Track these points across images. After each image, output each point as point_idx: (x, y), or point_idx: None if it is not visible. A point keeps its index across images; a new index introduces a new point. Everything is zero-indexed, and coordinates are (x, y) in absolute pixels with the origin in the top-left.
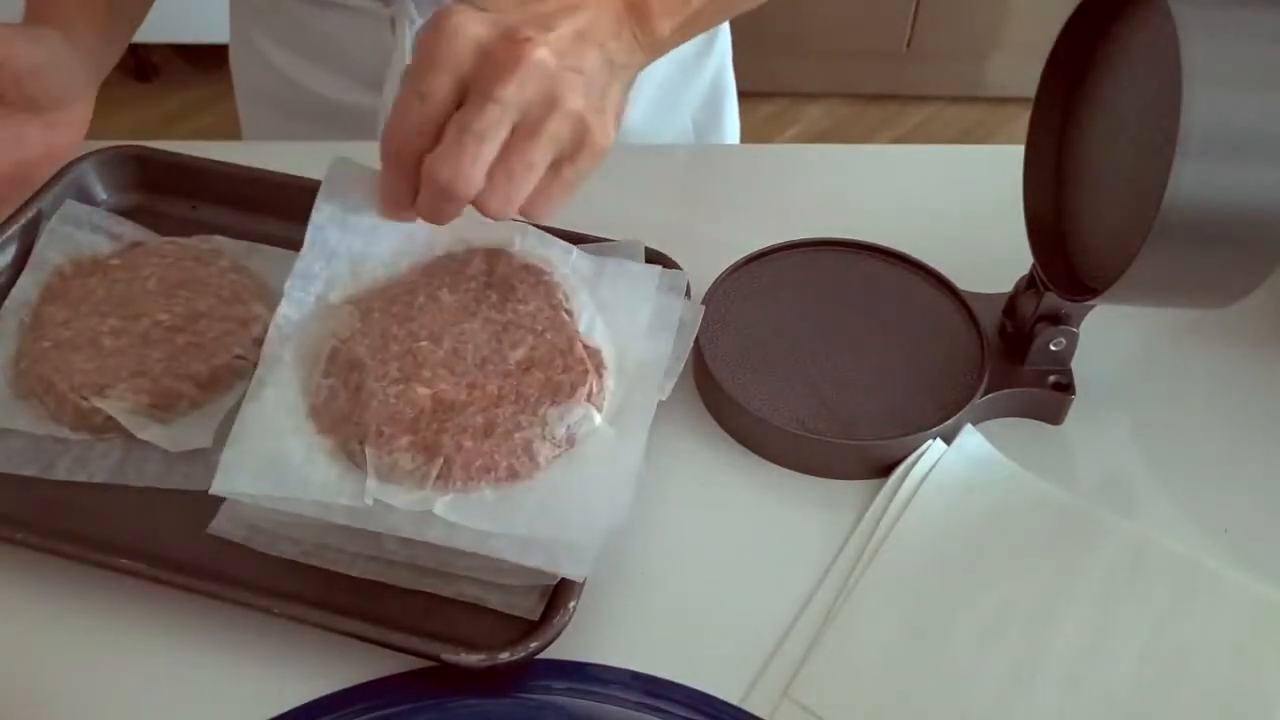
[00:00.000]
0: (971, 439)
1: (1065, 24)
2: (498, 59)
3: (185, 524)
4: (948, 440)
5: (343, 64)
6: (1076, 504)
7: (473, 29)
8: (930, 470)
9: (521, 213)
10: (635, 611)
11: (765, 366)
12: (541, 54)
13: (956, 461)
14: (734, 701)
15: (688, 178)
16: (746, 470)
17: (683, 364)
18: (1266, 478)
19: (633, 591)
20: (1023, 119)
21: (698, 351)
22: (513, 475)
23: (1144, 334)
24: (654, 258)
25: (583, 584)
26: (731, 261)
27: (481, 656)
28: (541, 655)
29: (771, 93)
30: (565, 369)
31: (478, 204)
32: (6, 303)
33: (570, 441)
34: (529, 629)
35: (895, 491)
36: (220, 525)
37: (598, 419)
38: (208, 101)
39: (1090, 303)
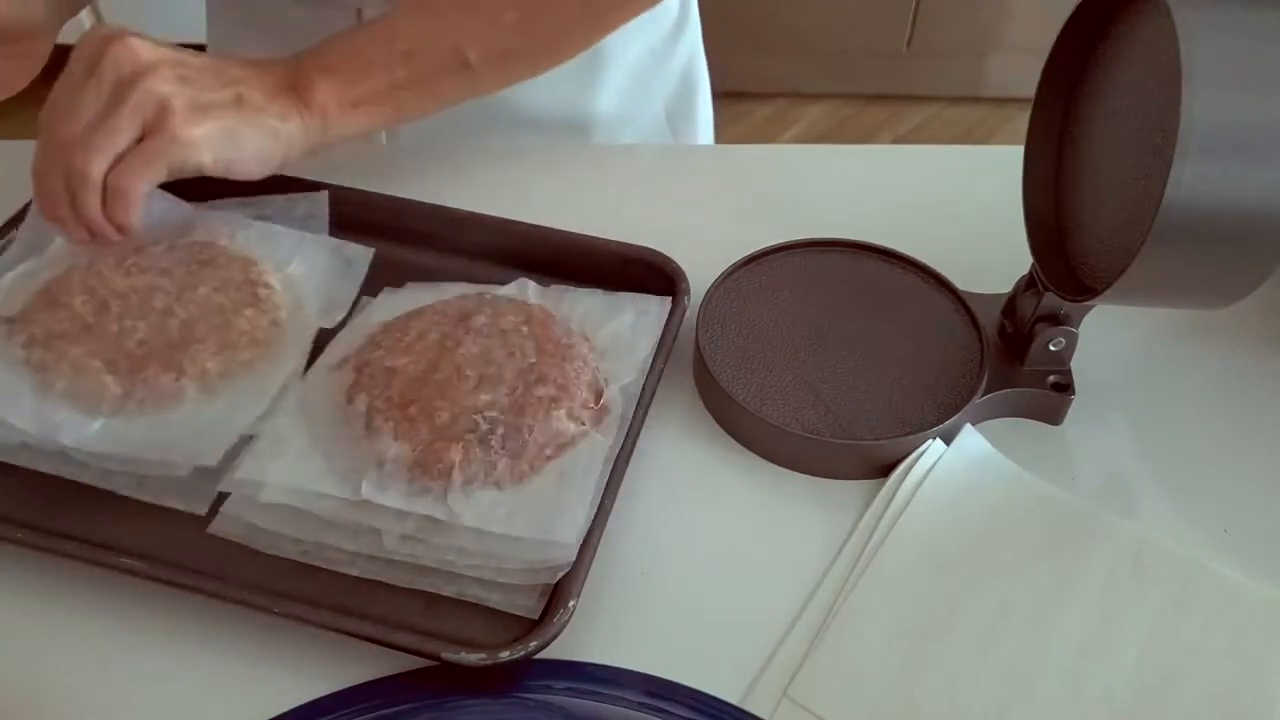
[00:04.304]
0: (971, 439)
1: (1065, 24)
2: (105, 47)
3: (185, 524)
4: (948, 440)
5: None
6: (1076, 504)
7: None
8: (930, 470)
9: (110, 184)
10: (635, 611)
11: (765, 366)
12: (137, 45)
13: (956, 461)
14: (734, 701)
15: (688, 178)
16: (746, 470)
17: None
18: (1266, 478)
19: (633, 591)
20: (1023, 119)
21: (698, 351)
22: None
23: (1144, 334)
24: (652, 257)
25: (583, 583)
26: (731, 261)
27: (482, 655)
28: (541, 655)
29: (771, 93)
30: (238, 288)
31: (77, 167)
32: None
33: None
34: (529, 628)
35: (895, 491)
36: (220, 525)
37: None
38: None
39: (1090, 303)
